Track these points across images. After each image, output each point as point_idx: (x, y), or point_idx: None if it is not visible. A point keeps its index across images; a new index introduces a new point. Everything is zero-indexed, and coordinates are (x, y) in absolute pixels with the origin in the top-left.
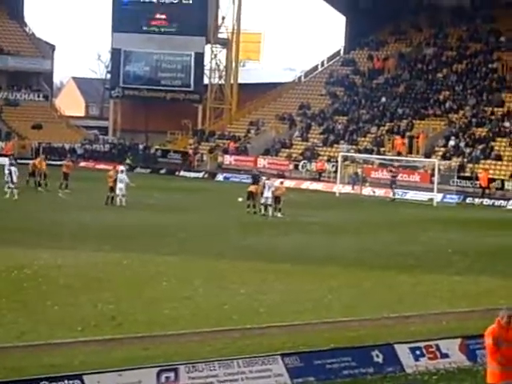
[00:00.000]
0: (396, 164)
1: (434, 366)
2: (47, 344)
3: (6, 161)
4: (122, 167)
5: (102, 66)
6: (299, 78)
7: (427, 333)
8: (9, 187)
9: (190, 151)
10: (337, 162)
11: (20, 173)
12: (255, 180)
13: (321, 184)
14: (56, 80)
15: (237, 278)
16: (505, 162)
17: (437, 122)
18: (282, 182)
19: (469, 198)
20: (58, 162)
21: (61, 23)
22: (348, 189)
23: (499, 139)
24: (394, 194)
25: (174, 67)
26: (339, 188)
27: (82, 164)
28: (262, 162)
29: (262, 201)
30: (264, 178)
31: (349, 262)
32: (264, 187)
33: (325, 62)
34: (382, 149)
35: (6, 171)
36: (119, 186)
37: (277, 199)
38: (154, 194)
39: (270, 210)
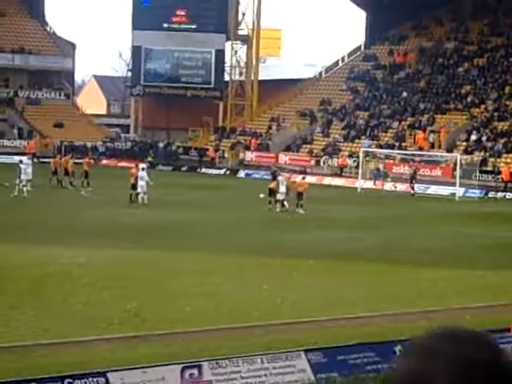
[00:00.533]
0: (417, 159)
1: None
2: (71, 342)
3: (24, 159)
4: (142, 165)
5: (123, 63)
6: (320, 73)
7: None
8: (19, 184)
9: (211, 148)
10: (358, 157)
11: (33, 170)
12: (274, 176)
13: (342, 180)
14: (77, 78)
15: (259, 274)
16: None
17: (458, 117)
18: (303, 178)
19: (491, 192)
20: (80, 160)
21: (81, 22)
22: (370, 184)
23: None
24: (413, 188)
25: (194, 64)
26: (361, 183)
27: (104, 162)
28: (284, 158)
29: (278, 196)
30: (280, 173)
31: (371, 258)
32: (278, 183)
33: (345, 58)
34: (404, 144)
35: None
36: (140, 183)
37: (299, 195)
38: (176, 192)
39: (286, 204)
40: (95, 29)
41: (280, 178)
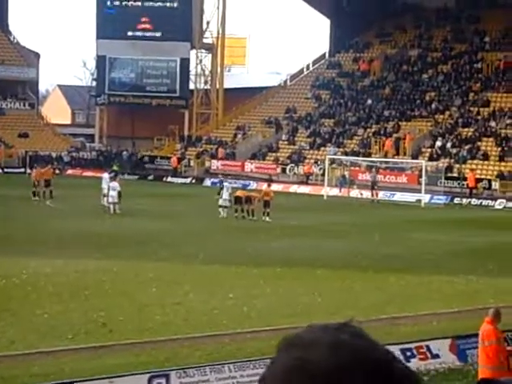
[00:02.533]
0: (382, 166)
1: (424, 366)
2: (38, 352)
3: None
4: (106, 174)
5: (88, 73)
6: (285, 81)
7: (418, 334)
8: None
9: (174, 157)
10: (320, 164)
11: None
12: (222, 186)
13: (308, 187)
14: (42, 88)
15: (226, 283)
16: (491, 162)
17: (423, 123)
18: (269, 186)
19: (456, 199)
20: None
21: (45, 31)
22: (336, 191)
23: (485, 139)
24: (376, 195)
25: (159, 73)
26: (327, 191)
27: (69, 172)
28: (250, 166)
29: (220, 202)
30: (222, 179)
31: (338, 265)
32: (222, 189)
33: (310, 66)
34: (369, 151)
35: None
36: (111, 193)
37: (265, 203)
38: (142, 201)
39: (226, 211)
40: (59, 38)
41: (225, 184)
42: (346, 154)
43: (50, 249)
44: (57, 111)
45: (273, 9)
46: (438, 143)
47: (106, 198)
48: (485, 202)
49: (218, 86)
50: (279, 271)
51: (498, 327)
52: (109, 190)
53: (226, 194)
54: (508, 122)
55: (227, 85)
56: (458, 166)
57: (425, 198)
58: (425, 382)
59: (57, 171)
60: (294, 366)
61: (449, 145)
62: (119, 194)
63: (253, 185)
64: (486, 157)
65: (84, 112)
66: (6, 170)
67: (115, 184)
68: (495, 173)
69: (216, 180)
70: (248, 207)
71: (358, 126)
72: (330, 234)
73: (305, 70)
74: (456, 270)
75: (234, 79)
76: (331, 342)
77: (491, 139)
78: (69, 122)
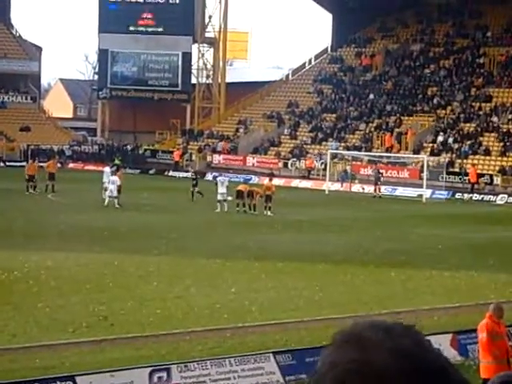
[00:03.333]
0: (384, 160)
1: None
2: (39, 346)
3: None
4: (107, 168)
5: (90, 67)
6: (287, 76)
7: (419, 328)
8: None
9: (176, 151)
10: (321, 158)
11: None
12: (194, 178)
13: (310, 182)
14: (43, 82)
15: (228, 277)
16: (493, 157)
17: (425, 118)
18: (270, 180)
19: (458, 194)
20: (43, 164)
21: (47, 25)
22: (337, 186)
23: (487, 134)
24: (379, 190)
25: (161, 67)
26: (328, 185)
27: (71, 165)
28: (251, 160)
29: (218, 197)
30: (216, 175)
31: (339, 260)
32: (216, 184)
33: (312, 60)
34: (371, 145)
35: None
36: (110, 187)
37: (267, 198)
38: (144, 195)
39: (226, 205)
40: (61, 32)
41: (220, 178)
42: (347, 148)
43: (51, 242)
44: (59, 105)
45: (275, 3)
46: (440, 138)
47: (106, 192)
48: (486, 198)
49: (219, 81)
50: (281, 265)
51: (500, 321)
52: (109, 183)
53: (221, 189)
54: (510, 117)
55: (229, 79)
56: (459, 161)
57: (426, 193)
58: None
59: (58, 165)
60: (352, 368)
61: (450, 140)
62: (119, 188)
63: (254, 179)
64: (487, 152)
65: (86, 106)
66: (7, 163)
67: (115, 178)
68: (497, 168)
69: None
70: (250, 202)
71: (360, 120)
72: (331, 228)
73: (307, 64)
74: (457, 265)
75: (236, 73)
76: (393, 348)
77: (493, 134)
78: (70, 115)
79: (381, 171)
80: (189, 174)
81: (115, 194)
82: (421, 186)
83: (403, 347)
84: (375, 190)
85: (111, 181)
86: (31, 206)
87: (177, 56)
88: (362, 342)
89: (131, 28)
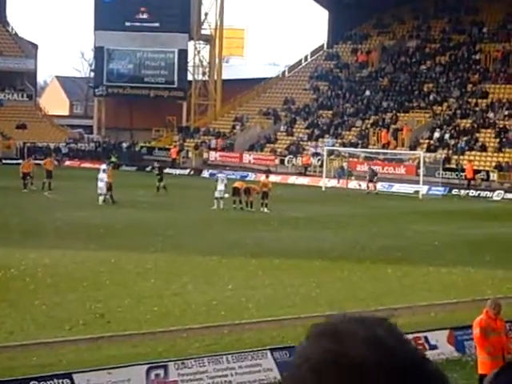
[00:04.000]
0: (381, 157)
1: None
2: (36, 343)
3: None
4: (103, 166)
5: (86, 64)
6: (283, 73)
7: (416, 325)
8: None
9: (172, 149)
10: (317, 154)
11: None
12: (158, 173)
13: (307, 178)
14: (40, 79)
15: (225, 274)
16: (489, 153)
17: (421, 115)
18: (267, 177)
19: (454, 190)
20: (41, 162)
21: (43, 22)
22: (334, 183)
23: (483, 130)
24: (374, 187)
25: (157, 64)
26: (325, 182)
27: (68, 163)
28: (248, 157)
29: (216, 194)
30: (216, 171)
31: (336, 256)
32: (217, 181)
33: (308, 57)
34: (368, 142)
35: None
36: (99, 185)
37: (264, 194)
38: (140, 192)
39: (222, 202)
40: (57, 29)
41: (220, 175)
42: (344, 145)
43: (48, 240)
44: (55, 102)
45: (271, 0)
46: (436, 134)
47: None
48: (483, 194)
49: (216, 78)
50: (277, 262)
51: (498, 317)
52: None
53: (220, 186)
54: (506, 113)
55: (225, 76)
56: (456, 157)
57: (423, 189)
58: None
59: (55, 162)
60: (328, 358)
61: (447, 136)
62: (109, 186)
63: (251, 176)
64: (484, 148)
65: (82, 103)
66: (4, 161)
67: (103, 175)
68: (493, 164)
69: (215, 171)
70: (247, 198)
71: (356, 117)
72: (328, 225)
73: (303, 61)
74: (454, 261)
75: (232, 70)
76: (367, 337)
77: (489, 130)
78: (67, 113)
79: (374, 168)
80: (185, 171)
81: (104, 191)
82: (417, 183)
83: (378, 338)
84: (367, 186)
85: (99, 178)
86: (28, 203)
87: (173, 53)
88: (338, 334)
89: (127, 24)
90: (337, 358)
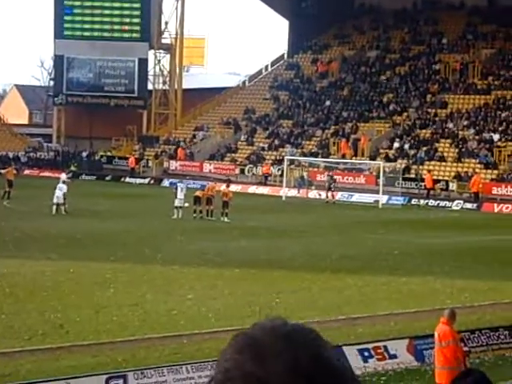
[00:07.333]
0: (341, 167)
1: (382, 366)
2: None
3: None
4: (63, 176)
5: (45, 73)
6: (243, 82)
7: (375, 334)
8: None
9: (131, 158)
10: (277, 164)
11: None
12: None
13: (267, 188)
14: None
15: (184, 284)
16: (449, 163)
17: (381, 125)
18: (227, 186)
19: (414, 200)
20: (2, 171)
21: (2, 30)
22: (294, 192)
23: (443, 140)
24: (333, 196)
25: (117, 73)
26: (285, 192)
27: (27, 172)
28: (208, 166)
29: (176, 203)
30: (174, 181)
31: (296, 266)
32: (176, 189)
33: (269, 67)
34: (328, 152)
35: None
36: (57, 193)
37: (224, 204)
38: (99, 202)
39: (181, 212)
40: (16, 37)
41: (180, 184)
42: (304, 155)
43: (6, 249)
44: (14, 111)
45: (231, 9)
46: (396, 144)
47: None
48: (442, 203)
49: (176, 87)
50: (237, 272)
51: (453, 327)
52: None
53: (180, 195)
54: (465, 123)
55: (186, 85)
56: (415, 167)
57: (382, 198)
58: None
59: (14, 171)
60: (246, 381)
61: (406, 146)
62: (64, 195)
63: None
64: (443, 158)
65: (41, 112)
66: None
67: (63, 185)
68: (452, 174)
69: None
70: (208, 208)
71: (317, 127)
72: (288, 234)
73: (263, 70)
74: (413, 270)
75: (193, 80)
76: (289, 364)
77: (449, 140)
78: (26, 122)
79: (334, 177)
80: (145, 181)
81: (61, 200)
82: (377, 192)
83: (301, 362)
84: (327, 195)
85: (58, 187)
86: None
87: (133, 62)
88: (261, 353)
89: (87, 33)
90: (254, 381)
